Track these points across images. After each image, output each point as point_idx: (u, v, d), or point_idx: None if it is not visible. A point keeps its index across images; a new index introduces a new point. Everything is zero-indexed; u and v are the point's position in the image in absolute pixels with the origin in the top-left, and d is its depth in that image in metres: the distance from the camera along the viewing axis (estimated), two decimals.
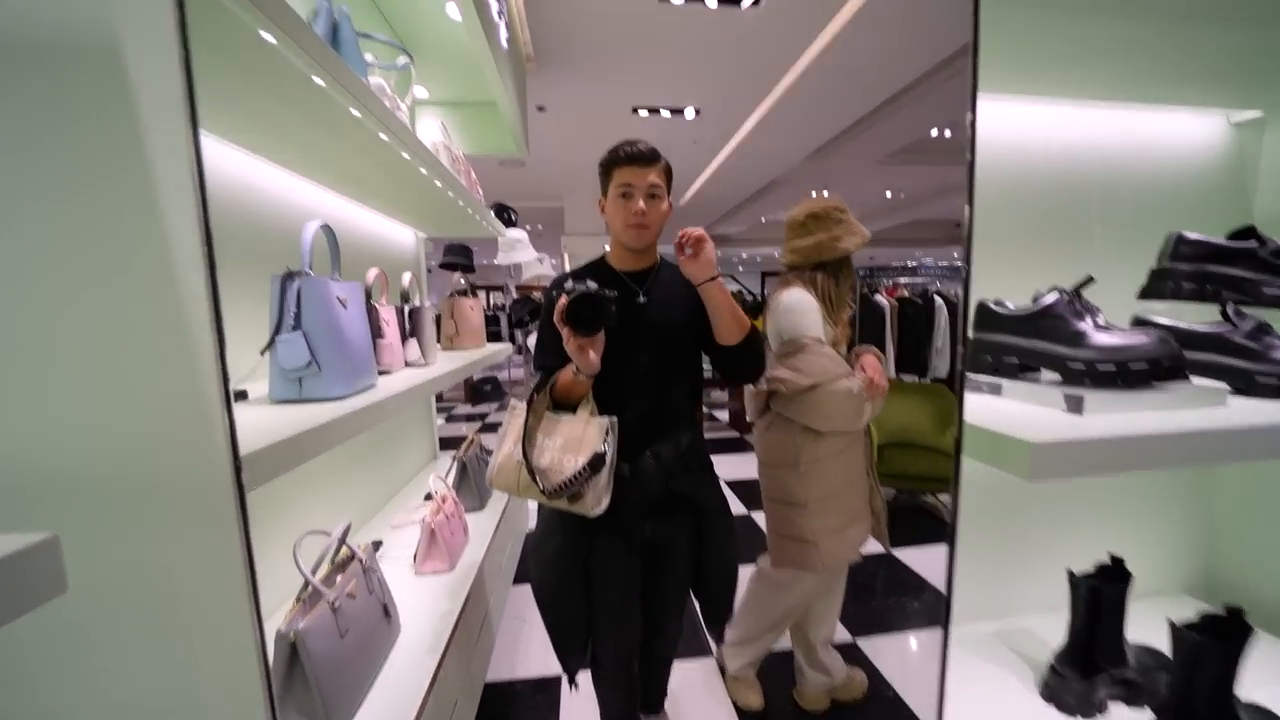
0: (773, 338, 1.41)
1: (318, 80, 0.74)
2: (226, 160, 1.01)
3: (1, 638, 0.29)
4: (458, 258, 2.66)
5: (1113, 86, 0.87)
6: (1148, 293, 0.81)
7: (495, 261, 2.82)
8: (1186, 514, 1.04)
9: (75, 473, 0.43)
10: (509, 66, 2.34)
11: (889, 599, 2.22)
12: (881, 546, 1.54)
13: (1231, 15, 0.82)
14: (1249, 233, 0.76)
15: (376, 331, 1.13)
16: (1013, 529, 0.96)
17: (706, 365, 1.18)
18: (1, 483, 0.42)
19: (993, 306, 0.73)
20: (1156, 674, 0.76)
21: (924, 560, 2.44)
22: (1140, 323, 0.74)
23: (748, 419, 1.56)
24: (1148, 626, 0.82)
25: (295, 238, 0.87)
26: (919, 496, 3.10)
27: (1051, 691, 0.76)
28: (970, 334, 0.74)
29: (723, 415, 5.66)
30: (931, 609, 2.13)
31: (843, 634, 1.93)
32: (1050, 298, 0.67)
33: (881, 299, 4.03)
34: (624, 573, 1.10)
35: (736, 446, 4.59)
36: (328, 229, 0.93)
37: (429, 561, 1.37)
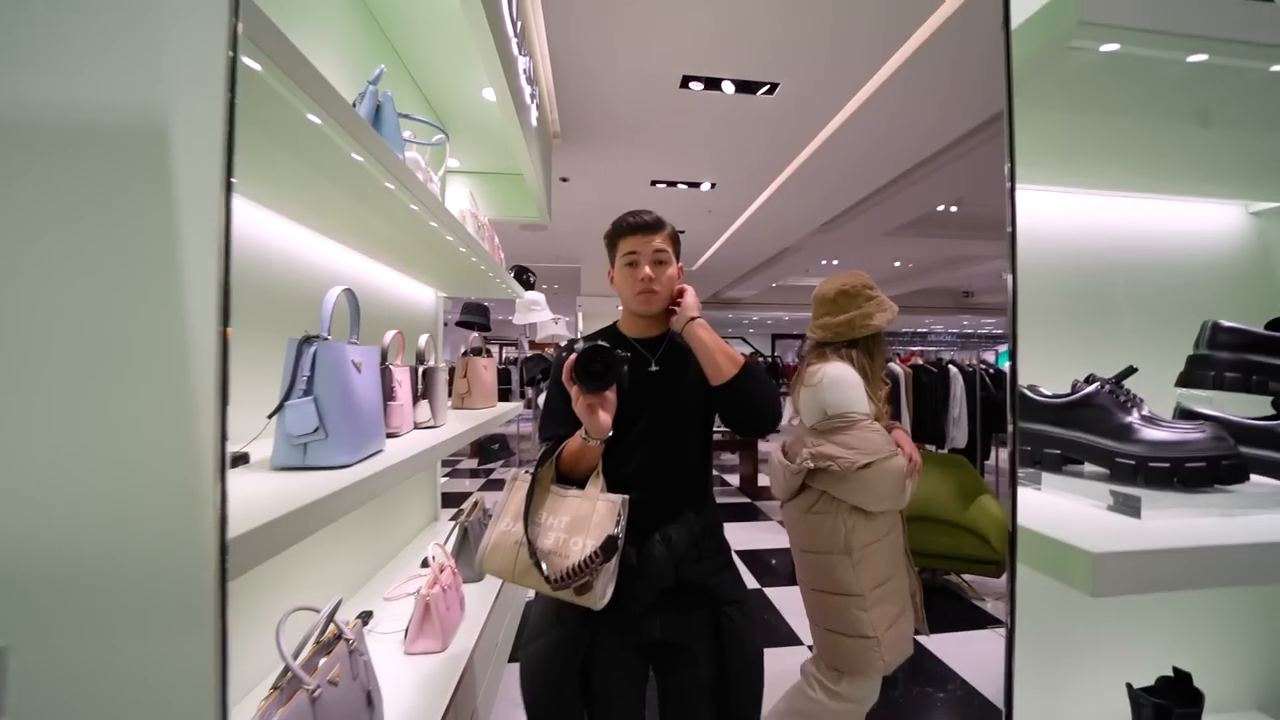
0: (813, 412, 1.37)
1: (356, 156, 0.78)
2: (263, 224, 1.05)
3: None
4: (474, 316, 2.71)
5: (1134, 179, 0.89)
6: (1188, 381, 0.78)
7: (513, 321, 2.87)
8: (1255, 617, 0.94)
9: (31, 558, 0.40)
10: (536, 142, 2.49)
11: (913, 690, 2.02)
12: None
13: (1244, 119, 0.84)
14: None
15: (389, 394, 1.12)
16: (1058, 627, 0.87)
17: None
18: None
19: (1028, 393, 0.70)
20: None
21: (951, 648, 2.25)
22: (1186, 414, 0.70)
23: (779, 497, 1.46)
24: None
25: (320, 298, 0.88)
26: (940, 575, 2.91)
27: None
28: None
29: (733, 479, 5.50)
30: (961, 703, 1.93)
31: None
32: (1091, 387, 0.64)
33: (895, 367, 4.00)
34: (629, 680, 0.98)
35: (748, 514, 4.41)
36: (350, 293, 0.94)
37: (420, 640, 1.28)
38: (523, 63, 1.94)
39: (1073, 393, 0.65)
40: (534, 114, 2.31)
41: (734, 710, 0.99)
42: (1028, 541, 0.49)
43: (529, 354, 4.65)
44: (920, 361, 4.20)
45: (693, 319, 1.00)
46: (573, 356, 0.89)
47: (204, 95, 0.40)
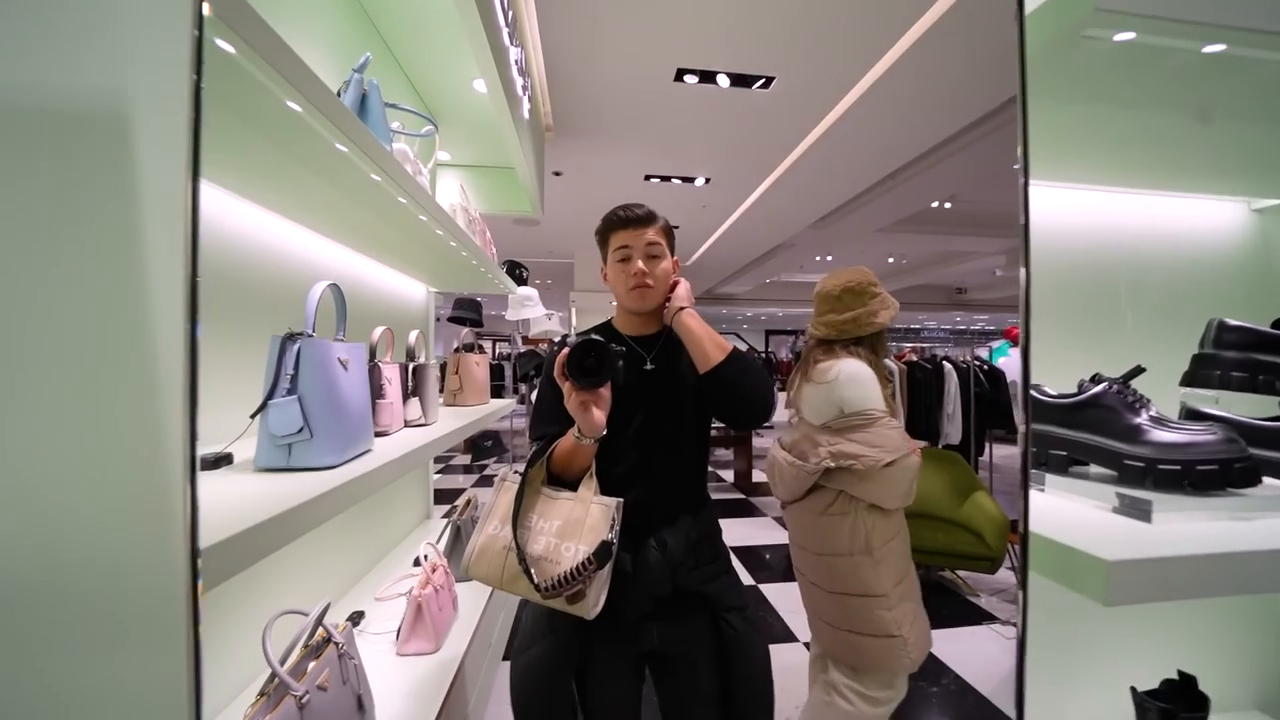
0: (825, 410, 1.33)
1: (340, 146, 0.75)
2: (246, 217, 1.02)
3: None
4: (466, 312, 2.67)
5: (1137, 175, 0.88)
6: (1192, 380, 0.77)
7: (506, 317, 2.84)
8: (1258, 616, 0.93)
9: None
10: (529, 135, 2.45)
11: (909, 686, 2.02)
12: None
13: (1249, 113, 0.83)
14: None
15: (377, 392, 1.09)
16: (1059, 627, 0.86)
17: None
18: None
19: (1033, 393, 0.69)
20: None
21: (946, 644, 2.25)
22: (1193, 414, 0.69)
23: (784, 499, 1.43)
24: None
25: (307, 293, 0.85)
26: (934, 572, 2.92)
27: None
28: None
29: (727, 475, 5.50)
30: (955, 699, 1.94)
31: None
32: (1098, 387, 0.62)
33: (890, 363, 4.00)
34: (626, 691, 0.94)
35: (743, 510, 4.42)
36: (335, 288, 0.91)
37: (413, 641, 1.26)
38: (514, 53, 1.90)
39: (1079, 393, 0.64)
40: (526, 106, 2.27)
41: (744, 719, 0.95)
42: (1036, 547, 0.48)
43: (522, 349, 4.62)
44: (915, 358, 4.20)
45: (682, 308, 0.98)
46: (565, 351, 0.86)
47: (167, 78, 0.37)
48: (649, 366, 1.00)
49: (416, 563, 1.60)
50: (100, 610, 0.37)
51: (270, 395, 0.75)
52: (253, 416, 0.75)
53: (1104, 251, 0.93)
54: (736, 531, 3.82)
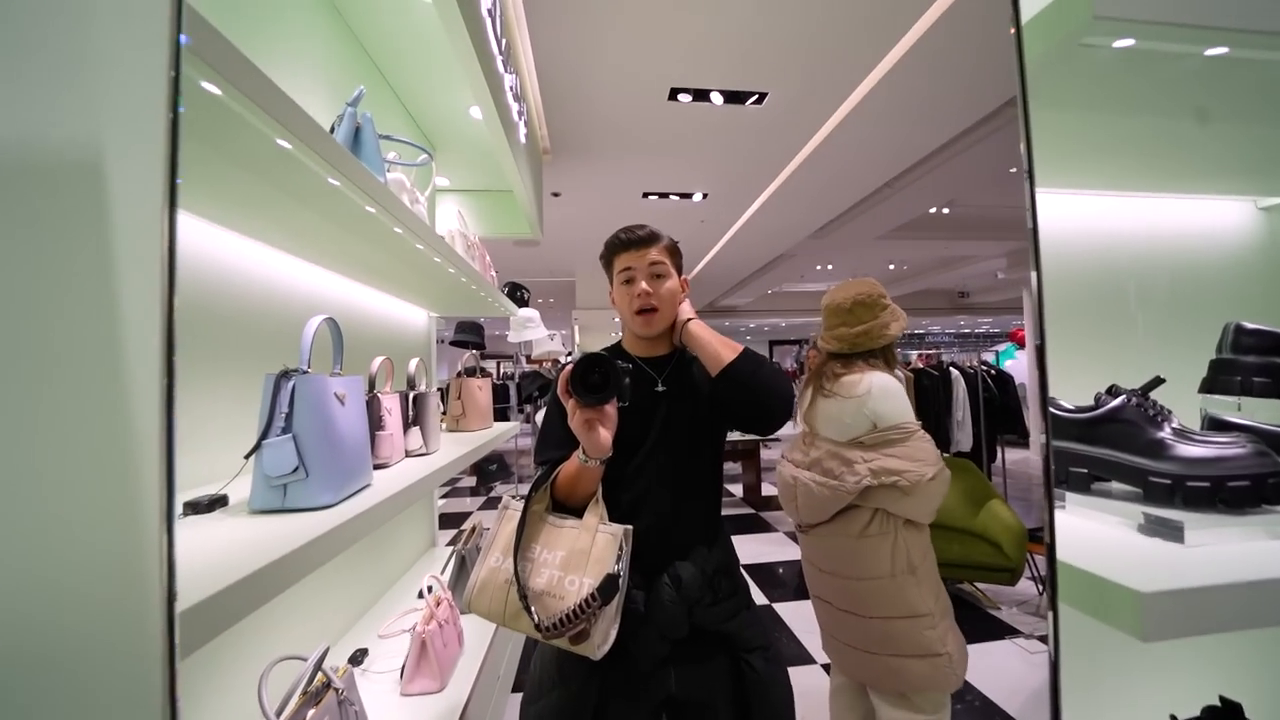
0: (854, 426, 1.29)
1: (333, 181, 0.75)
2: (243, 252, 1.02)
3: None
4: (468, 335, 2.67)
5: (1140, 178, 0.86)
6: (1212, 387, 0.74)
7: (508, 339, 2.83)
8: None
9: None
10: (526, 159, 2.47)
11: None
12: None
13: (1253, 112, 0.81)
14: None
15: (377, 423, 1.08)
16: (1091, 650, 0.82)
17: None
18: None
19: (1050, 409, 0.66)
20: None
21: (969, 661, 2.18)
22: (1217, 424, 0.66)
23: (810, 521, 1.35)
24: None
25: (304, 326, 0.84)
26: (952, 585, 2.84)
27: None
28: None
29: (735, 489, 5.43)
30: (978, 717, 1.87)
31: None
32: (1117, 400, 0.60)
33: (898, 373, 3.96)
34: None
35: (753, 525, 4.34)
36: (332, 322, 0.90)
37: (417, 680, 1.22)
38: (509, 80, 1.92)
39: (1097, 406, 0.62)
40: (522, 131, 2.29)
41: None
42: (1064, 577, 0.45)
43: (526, 370, 4.61)
44: (921, 365, 4.17)
45: (689, 319, 0.96)
46: (568, 367, 0.82)
47: (143, 123, 0.36)
48: (660, 388, 0.97)
49: (421, 595, 1.57)
50: (68, 683, 0.35)
51: (265, 435, 0.73)
52: (247, 457, 0.73)
53: (1109, 256, 0.91)
54: (747, 548, 3.75)
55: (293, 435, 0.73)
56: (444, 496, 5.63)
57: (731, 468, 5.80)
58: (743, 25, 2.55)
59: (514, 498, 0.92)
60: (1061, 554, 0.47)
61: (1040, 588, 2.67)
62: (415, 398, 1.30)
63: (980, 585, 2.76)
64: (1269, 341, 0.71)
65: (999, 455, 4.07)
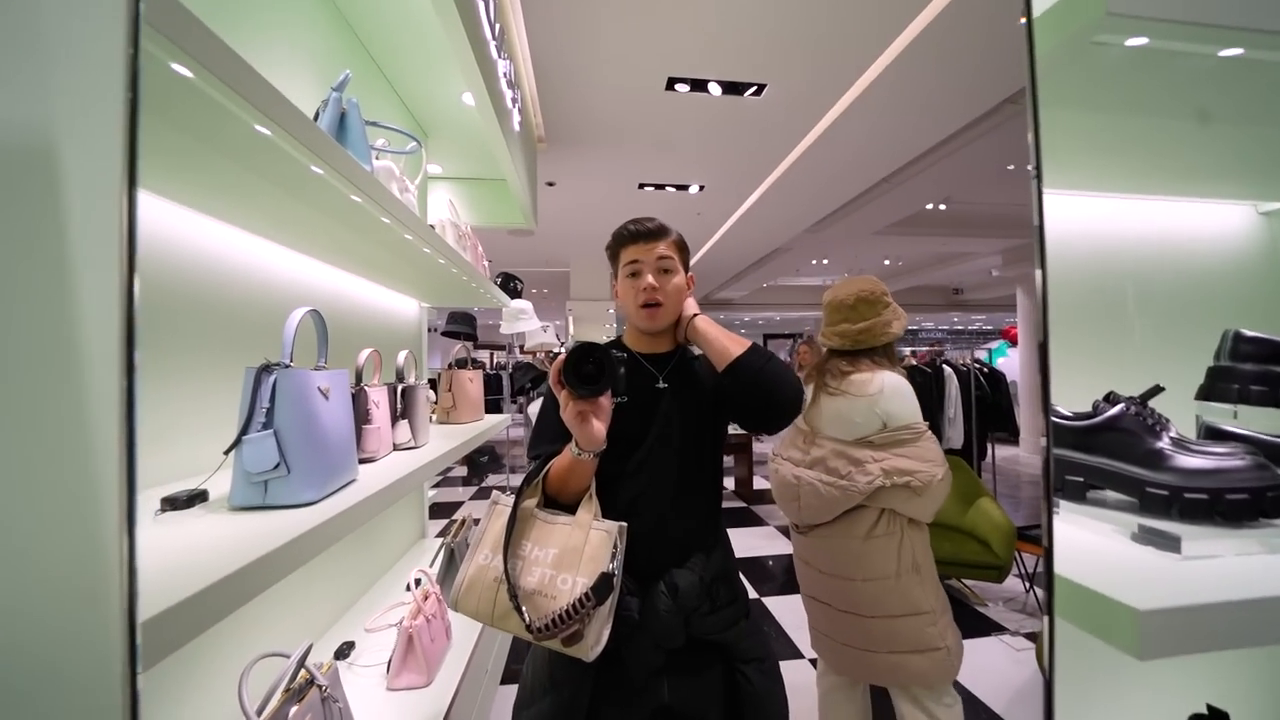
0: (867, 424, 1.28)
1: (316, 169, 0.72)
2: (226, 240, 0.99)
3: None
4: (460, 326, 2.64)
5: (1140, 181, 0.85)
6: (1209, 394, 0.74)
7: (500, 330, 2.80)
8: None
9: None
10: (520, 147, 2.43)
11: None
12: None
13: (1257, 115, 0.80)
14: None
15: (363, 417, 1.06)
16: (1075, 657, 0.83)
17: None
18: None
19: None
20: None
21: None
22: (1214, 433, 0.66)
23: (809, 521, 1.35)
24: None
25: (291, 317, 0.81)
26: (941, 581, 2.87)
27: None
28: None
29: (727, 483, 5.45)
30: (966, 714, 1.88)
31: None
32: (1115, 409, 0.59)
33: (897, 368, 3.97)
34: None
35: (745, 519, 4.37)
36: (316, 314, 0.88)
37: (404, 674, 1.21)
38: (503, 66, 1.88)
39: (1095, 414, 0.61)
40: (516, 118, 2.25)
41: None
42: (1058, 591, 0.44)
43: (519, 361, 4.58)
44: (914, 361, 4.18)
45: (695, 315, 0.94)
46: (561, 357, 0.80)
47: (99, 101, 0.34)
48: (661, 385, 0.94)
49: (409, 588, 1.56)
50: (19, 703, 0.33)
51: (245, 430, 0.71)
52: (226, 453, 0.71)
53: (1108, 259, 0.90)
54: (738, 542, 3.74)
55: (274, 431, 0.71)
56: (435, 487, 5.61)
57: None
58: (743, 15, 2.51)
59: (504, 492, 0.90)
60: (1058, 567, 0.46)
61: (1027, 585, 2.70)
62: (404, 390, 1.28)
63: (967, 582, 2.79)
64: (1268, 350, 0.70)
65: (989, 452, 4.10)
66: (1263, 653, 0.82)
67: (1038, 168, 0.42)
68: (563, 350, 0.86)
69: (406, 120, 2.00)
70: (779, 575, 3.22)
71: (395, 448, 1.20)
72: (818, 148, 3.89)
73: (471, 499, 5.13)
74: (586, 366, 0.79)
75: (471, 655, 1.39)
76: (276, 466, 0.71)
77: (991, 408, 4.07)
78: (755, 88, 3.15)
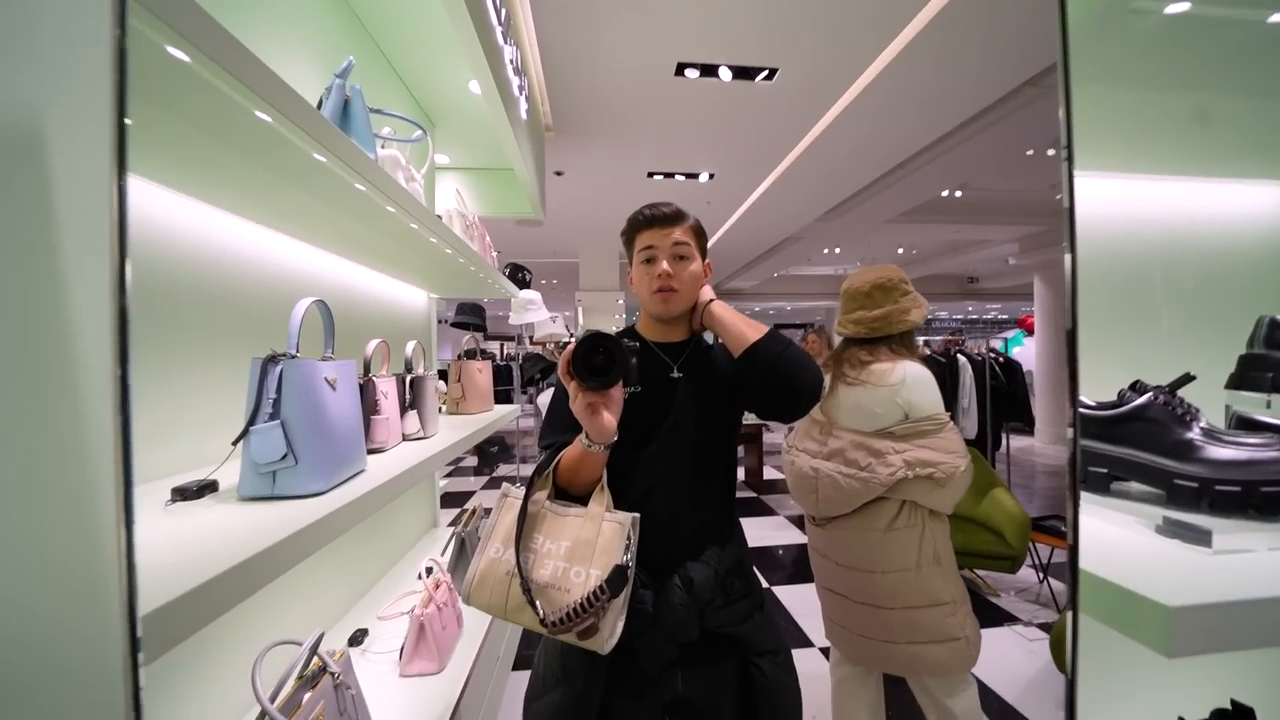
0: (889, 415, 1.26)
1: (318, 156, 0.71)
2: (233, 231, 0.99)
3: None
4: (469, 317, 2.64)
5: (1170, 159, 0.81)
6: (1240, 383, 0.71)
7: (509, 321, 2.80)
8: None
9: None
10: (528, 136, 2.41)
11: None
12: None
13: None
14: None
15: (372, 407, 1.06)
16: (1094, 648, 0.81)
17: None
18: None
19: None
20: None
21: None
22: (1246, 423, 0.63)
23: (827, 514, 1.33)
24: None
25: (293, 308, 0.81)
26: None
27: None
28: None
29: (738, 472, 5.43)
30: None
31: None
32: (1143, 398, 0.56)
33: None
34: None
35: (754, 509, 4.36)
36: (322, 304, 0.87)
37: (415, 661, 1.22)
38: (509, 53, 1.86)
39: (1121, 403, 0.58)
40: (524, 106, 2.22)
41: None
42: (1088, 589, 0.43)
43: (528, 351, 4.59)
44: (928, 351, 4.12)
45: (710, 301, 0.93)
46: (570, 347, 0.78)
47: (86, 84, 0.33)
48: (675, 375, 0.92)
49: (421, 577, 1.57)
50: (21, 699, 0.33)
51: (252, 421, 0.71)
52: (234, 443, 0.71)
53: (1133, 242, 0.87)
54: (749, 532, 3.75)
55: (281, 421, 0.71)
56: (447, 476, 5.67)
57: None
58: None
59: (514, 484, 0.89)
60: (1082, 561, 0.44)
61: (1041, 576, 2.67)
62: (412, 381, 1.28)
63: (980, 572, 2.76)
64: None
65: (1004, 442, 4.04)
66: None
67: (1069, 147, 0.40)
68: (572, 340, 0.84)
69: (413, 109, 1.98)
70: (789, 565, 3.22)
71: (404, 438, 1.21)
72: (830, 133, 3.81)
73: (483, 489, 5.18)
74: (597, 357, 0.77)
75: (483, 643, 1.40)
76: (284, 457, 0.71)
77: (1006, 397, 4.01)
78: (766, 72, 3.09)
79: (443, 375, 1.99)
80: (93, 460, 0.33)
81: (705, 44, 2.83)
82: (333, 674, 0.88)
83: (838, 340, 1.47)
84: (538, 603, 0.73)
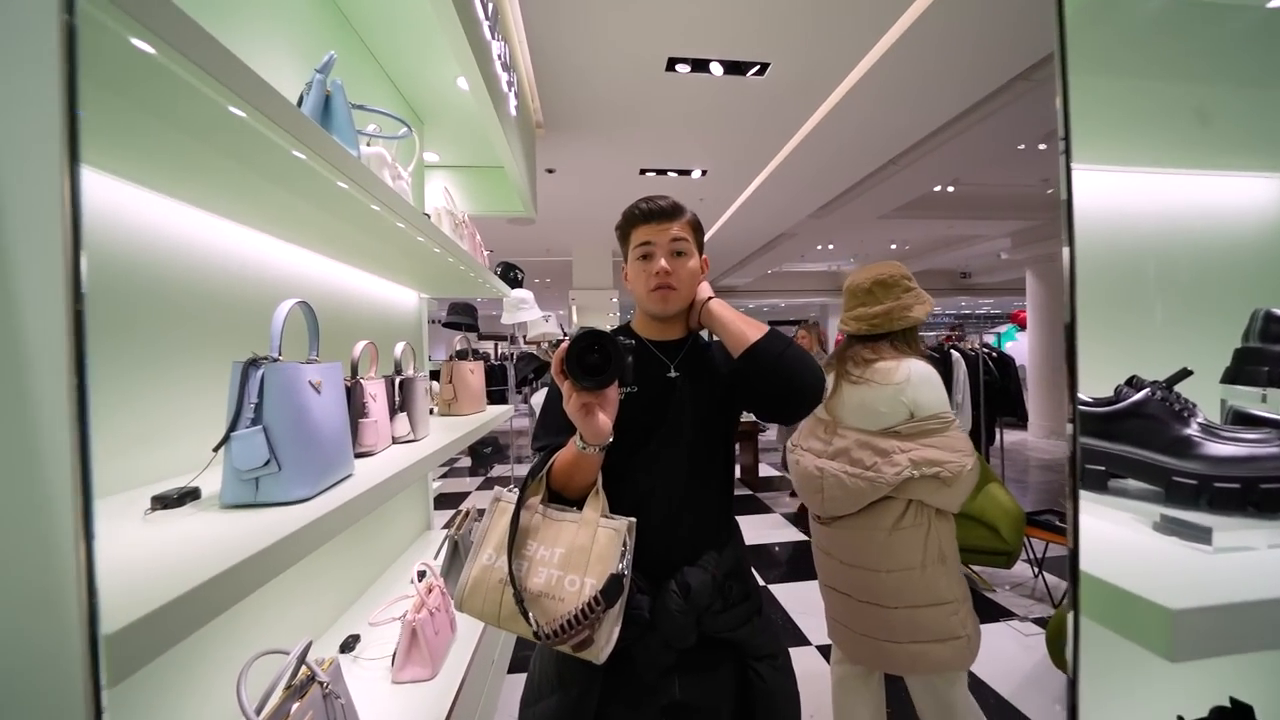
0: (894, 413, 1.25)
1: (298, 154, 0.69)
2: (214, 230, 0.96)
3: None
4: (461, 317, 2.61)
5: (1166, 152, 0.81)
6: (1236, 377, 0.70)
7: (501, 321, 2.78)
8: None
9: None
10: (518, 133, 2.38)
11: None
12: None
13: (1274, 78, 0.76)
14: None
15: (360, 411, 1.04)
16: (1095, 644, 0.80)
17: None
18: None
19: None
20: None
21: None
22: (1243, 418, 0.63)
23: (832, 513, 1.32)
24: None
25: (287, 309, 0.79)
26: None
27: None
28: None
29: None
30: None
31: None
32: (1140, 394, 0.56)
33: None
34: None
35: (750, 506, 4.36)
36: (305, 306, 0.85)
37: (408, 668, 1.21)
38: (498, 48, 1.83)
39: (1117, 399, 0.57)
40: (513, 103, 2.20)
41: None
42: (1089, 591, 0.42)
43: (521, 351, 4.56)
44: (924, 346, 4.12)
45: (709, 299, 0.90)
46: (564, 345, 0.75)
47: (32, 73, 0.31)
48: (672, 374, 0.90)
49: (414, 582, 1.55)
50: None
51: (233, 427, 0.69)
52: (215, 450, 0.69)
53: (1127, 236, 0.86)
54: (744, 530, 3.76)
55: (263, 427, 0.69)
56: (441, 477, 5.64)
57: None
58: None
59: (507, 488, 0.88)
60: (1081, 561, 0.43)
61: (1036, 571, 2.68)
62: (402, 382, 1.26)
63: (976, 568, 2.77)
64: None
65: (997, 437, 4.06)
66: None
67: (1066, 138, 0.38)
68: (567, 338, 0.81)
69: (401, 107, 1.95)
70: (784, 563, 3.22)
71: (394, 441, 1.19)
72: (823, 128, 3.80)
73: (478, 490, 5.15)
74: (591, 357, 0.74)
75: (477, 647, 1.39)
76: (267, 463, 0.69)
77: (1000, 392, 4.02)
78: (758, 67, 3.07)
79: (435, 376, 1.97)
80: (48, 474, 0.31)
81: (696, 39, 2.81)
82: (321, 683, 0.87)
83: (831, 337, 1.47)
84: (531, 613, 0.72)
